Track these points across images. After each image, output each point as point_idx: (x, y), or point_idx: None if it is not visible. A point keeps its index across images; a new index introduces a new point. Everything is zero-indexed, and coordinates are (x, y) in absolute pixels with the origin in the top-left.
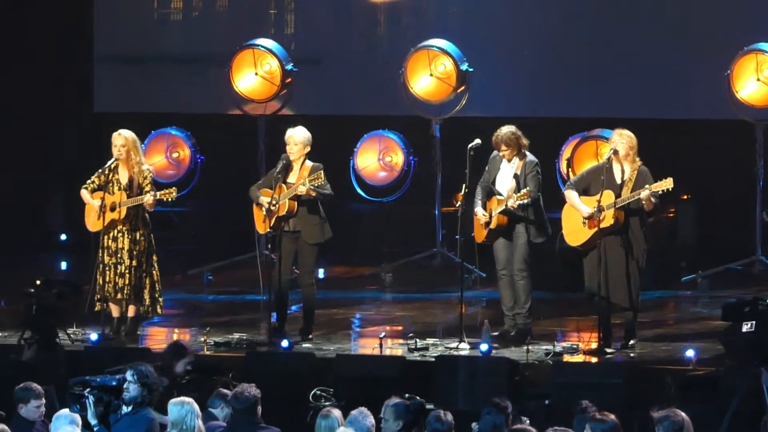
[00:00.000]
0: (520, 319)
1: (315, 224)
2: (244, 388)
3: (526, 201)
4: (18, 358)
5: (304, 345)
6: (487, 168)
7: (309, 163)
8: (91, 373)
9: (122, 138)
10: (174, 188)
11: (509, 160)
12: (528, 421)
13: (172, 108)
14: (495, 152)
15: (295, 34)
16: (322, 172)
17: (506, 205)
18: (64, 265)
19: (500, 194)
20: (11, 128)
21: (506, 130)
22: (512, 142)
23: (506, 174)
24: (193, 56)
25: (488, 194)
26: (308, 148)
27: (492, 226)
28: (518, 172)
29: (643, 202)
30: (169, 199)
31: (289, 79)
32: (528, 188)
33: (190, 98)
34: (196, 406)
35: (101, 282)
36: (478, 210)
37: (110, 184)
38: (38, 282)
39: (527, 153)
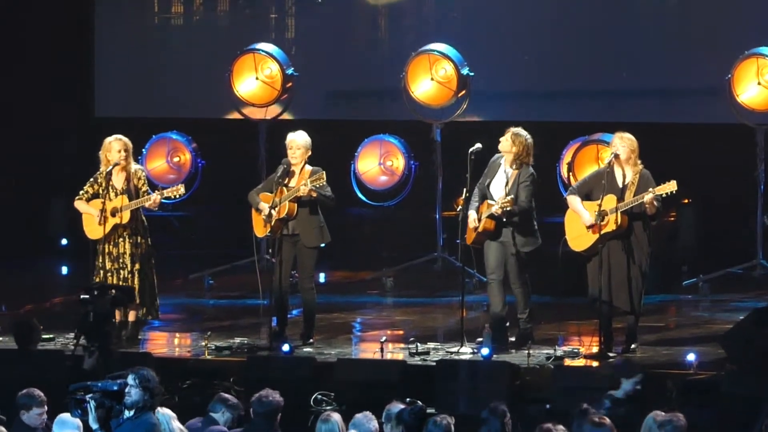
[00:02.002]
0: (521, 324)
1: (314, 228)
2: (269, 393)
3: (508, 208)
4: (77, 366)
5: (305, 349)
6: (486, 171)
7: (309, 168)
8: (92, 377)
9: (122, 142)
10: (181, 185)
11: (508, 163)
12: None
13: (172, 112)
14: (496, 155)
15: (295, 39)
16: (324, 173)
17: (492, 211)
18: (64, 270)
19: (492, 199)
20: (12, 132)
21: (525, 134)
22: (519, 145)
23: (501, 179)
24: (194, 61)
25: (483, 197)
26: (309, 153)
27: (479, 229)
28: (513, 180)
29: (646, 205)
30: (177, 196)
31: (289, 84)
32: (511, 196)
33: (191, 102)
34: (167, 410)
35: None
36: (471, 213)
37: (106, 191)
38: (93, 288)
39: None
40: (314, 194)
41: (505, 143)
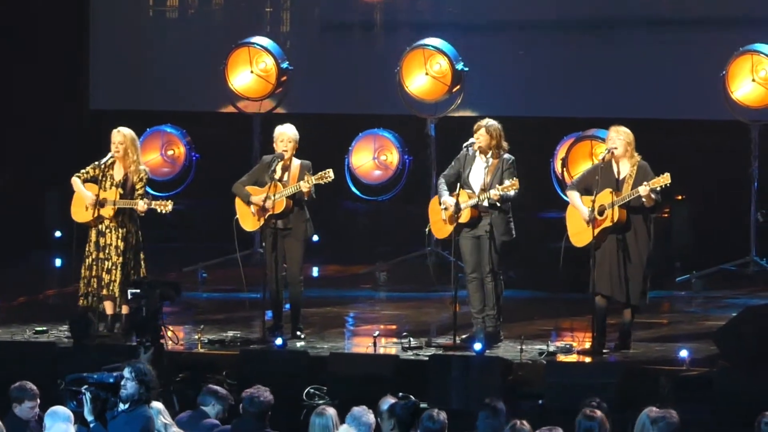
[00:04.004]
0: (489, 321)
1: (303, 221)
2: (261, 392)
3: (512, 192)
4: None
5: (298, 344)
6: (453, 163)
7: (297, 162)
8: (85, 370)
9: (120, 135)
10: (169, 201)
11: (484, 154)
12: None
13: (167, 105)
14: (468, 149)
15: (290, 32)
16: (330, 171)
17: (479, 198)
18: (58, 262)
19: (471, 189)
20: (8, 125)
21: (495, 122)
22: (496, 134)
23: (480, 171)
24: (189, 54)
25: (450, 188)
26: (297, 145)
27: (462, 220)
28: (492, 169)
29: (643, 198)
30: (164, 211)
31: (284, 78)
32: (516, 179)
33: (186, 96)
34: (159, 405)
35: (87, 277)
36: (447, 199)
37: (104, 179)
38: (141, 283)
39: (504, 153)
40: (312, 194)
41: (483, 138)
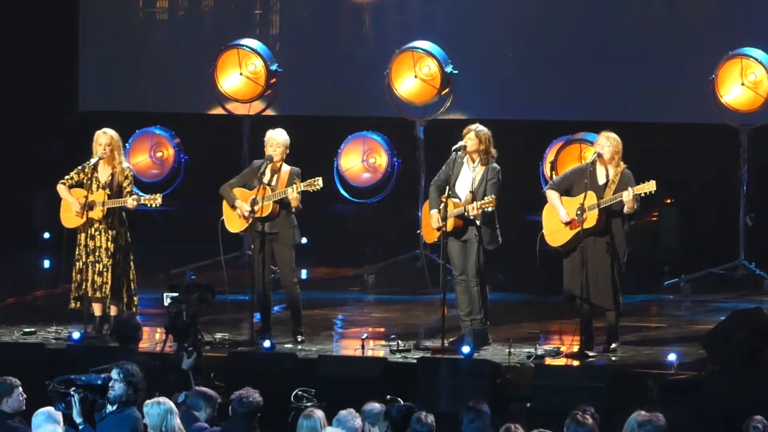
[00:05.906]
0: (476, 324)
1: (291, 226)
2: (250, 393)
3: (490, 209)
4: (169, 366)
5: (286, 345)
6: (443, 167)
7: (287, 167)
8: (73, 371)
9: (107, 137)
10: (158, 195)
11: (472, 158)
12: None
13: (156, 107)
14: (455, 155)
15: (280, 35)
16: (320, 179)
17: (466, 211)
18: (47, 263)
19: (458, 197)
20: None
21: (486, 129)
22: (485, 140)
23: (467, 177)
24: (179, 56)
25: (441, 193)
26: (287, 151)
27: (448, 229)
28: (479, 177)
29: (626, 204)
30: (153, 205)
31: (273, 80)
32: (493, 196)
33: (175, 98)
34: (173, 405)
35: (78, 280)
36: (434, 213)
37: (90, 182)
38: (179, 287)
39: (492, 161)
40: (299, 204)
41: (472, 142)
